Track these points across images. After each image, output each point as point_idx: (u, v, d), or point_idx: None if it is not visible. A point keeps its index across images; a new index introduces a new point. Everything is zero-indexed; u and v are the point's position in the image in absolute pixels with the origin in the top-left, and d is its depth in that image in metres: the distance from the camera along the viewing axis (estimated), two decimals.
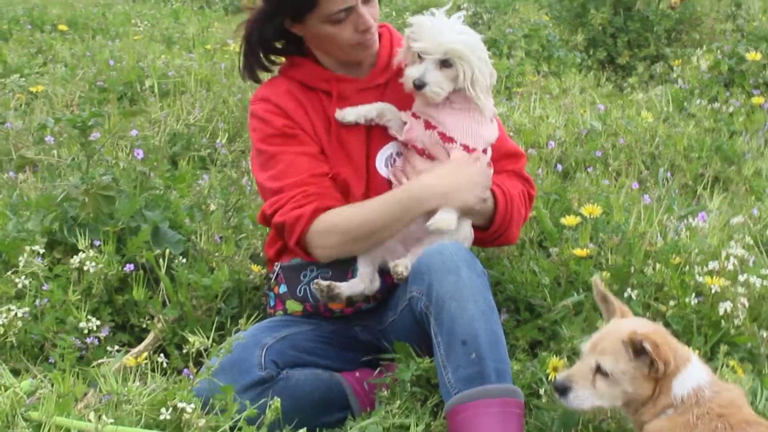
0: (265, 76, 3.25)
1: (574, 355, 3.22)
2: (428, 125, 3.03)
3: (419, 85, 2.96)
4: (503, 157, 3.21)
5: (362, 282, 3.03)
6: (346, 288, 3.01)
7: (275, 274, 3.24)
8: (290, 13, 2.99)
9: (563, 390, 2.50)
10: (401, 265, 2.93)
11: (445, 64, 2.96)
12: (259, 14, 3.06)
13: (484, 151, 3.10)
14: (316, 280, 3.02)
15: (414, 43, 2.98)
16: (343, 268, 3.09)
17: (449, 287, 2.72)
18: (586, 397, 2.48)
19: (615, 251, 3.65)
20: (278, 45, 3.19)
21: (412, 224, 3.01)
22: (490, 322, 2.70)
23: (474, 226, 3.13)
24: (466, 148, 3.02)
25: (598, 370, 2.44)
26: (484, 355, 2.64)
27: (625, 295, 3.40)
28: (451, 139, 3.02)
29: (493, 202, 3.10)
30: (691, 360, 2.42)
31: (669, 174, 5.13)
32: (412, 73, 2.98)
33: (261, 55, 3.17)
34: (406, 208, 2.94)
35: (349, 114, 3.08)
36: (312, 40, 3.10)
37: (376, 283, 3.05)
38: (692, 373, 2.38)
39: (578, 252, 3.58)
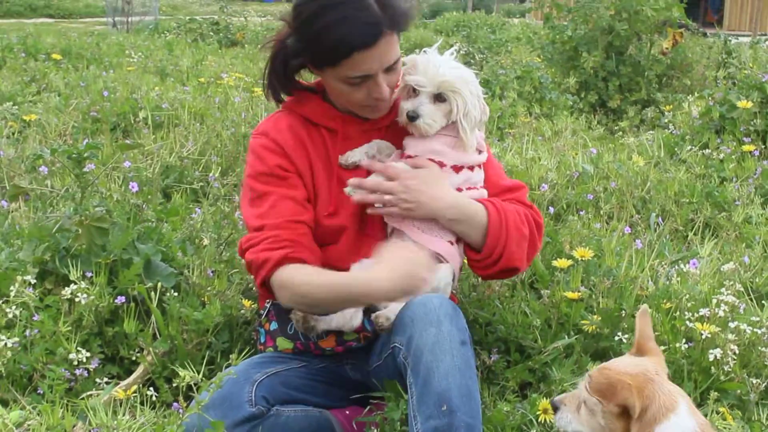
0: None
1: None
2: (403, 156, 3.08)
3: (412, 117, 2.98)
4: (501, 192, 3.16)
5: (342, 318, 3.01)
6: (324, 323, 3.00)
7: (266, 310, 3.24)
8: (311, 60, 2.99)
9: (554, 408, 2.59)
10: (382, 317, 2.93)
11: (438, 98, 2.98)
12: (287, 40, 3.06)
13: (456, 167, 3.06)
14: (293, 311, 3.02)
15: (408, 77, 3.00)
16: None
17: (428, 339, 2.70)
18: (569, 420, 2.53)
19: (606, 295, 3.66)
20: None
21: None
22: (465, 378, 2.67)
23: (468, 249, 3.11)
24: (431, 161, 3.03)
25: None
26: (456, 409, 2.61)
27: (616, 338, 3.42)
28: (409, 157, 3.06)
29: (485, 215, 3.03)
30: (677, 409, 2.38)
31: (660, 219, 5.15)
32: (406, 105, 3.00)
33: (283, 77, 3.15)
34: (353, 298, 2.91)
35: (353, 155, 3.08)
36: (327, 87, 3.11)
37: (356, 321, 3.02)
38: (678, 422, 2.35)
39: (569, 295, 3.59)
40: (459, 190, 3.05)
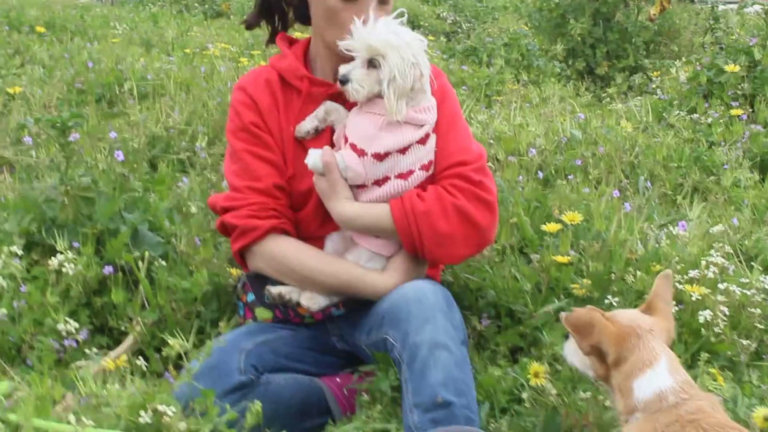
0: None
1: (554, 361, 3.23)
2: (344, 132, 3.02)
3: (342, 81, 2.92)
4: (445, 169, 3.02)
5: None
6: (298, 295, 3.02)
7: (241, 283, 3.23)
8: None
9: (566, 335, 2.57)
10: (309, 299, 3.00)
11: (371, 63, 2.90)
12: None
13: (377, 155, 2.94)
14: (267, 287, 3.03)
15: (341, 41, 2.94)
16: None
17: (425, 336, 2.68)
18: (570, 351, 2.56)
19: (596, 258, 3.65)
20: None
21: (346, 231, 3.05)
22: (462, 373, 2.67)
23: None
24: (353, 147, 2.94)
25: None
26: (454, 402, 2.60)
27: (606, 302, 3.40)
28: (346, 140, 2.98)
29: (390, 220, 2.94)
30: (656, 366, 2.37)
31: (648, 183, 5.14)
32: (340, 69, 2.94)
33: (270, 15, 3.20)
34: (352, 291, 2.99)
35: (305, 124, 3.06)
36: (314, 10, 3.07)
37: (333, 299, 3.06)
38: (654, 377, 2.33)
39: (559, 259, 3.57)
40: (386, 179, 2.96)
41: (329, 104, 3.05)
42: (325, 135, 3.05)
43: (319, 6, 3.02)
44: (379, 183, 2.96)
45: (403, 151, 2.94)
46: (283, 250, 2.99)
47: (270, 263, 3.01)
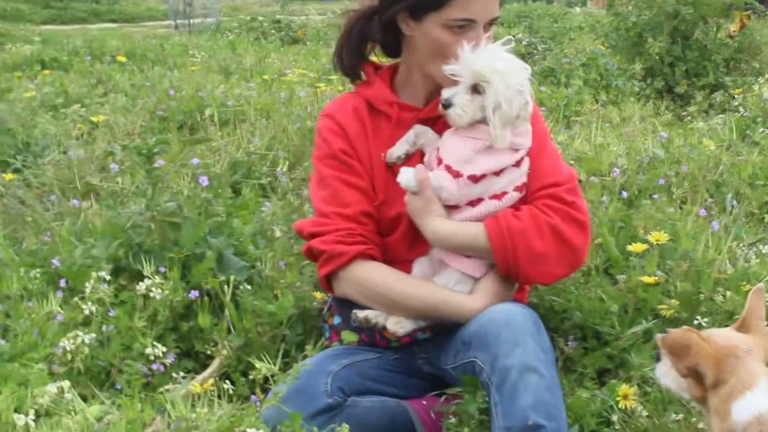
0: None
1: (644, 383, 3.19)
2: (438, 153, 2.99)
3: (445, 105, 2.91)
4: (538, 189, 3.00)
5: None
6: (385, 319, 3.00)
7: (328, 305, 3.24)
8: (417, 3, 2.94)
9: (656, 357, 2.55)
10: (395, 324, 2.97)
11: (475, 89, 2.89)
12: (370, 11, 3.06)
13: (473, 177, 2.92)
14: (354, 311, 3.02)
15: (445, 66, 2.93)
16: None
17: (515, 360, 2.66)
18: (663, 373, 2.50)
19: (684, 278, 3.59)
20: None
21: (435, 250, 3.03)
22: (553, 396, 2.64)
23: None
24: (448, 168, 2.92)
25: None
26: (545, 425, 2.57)
27: (695, 322, 3.35)
28: (440, 161, 2.95)
29: (486, 240, 2.91)
30: (755, 387, 2.31)
31: (735, 202, 5.05)
32: (444, 93, 2.94)
33: (357, 52, 3.16)
34: (439, 315, 2.99)
35: (395, 150, 3.05)
36: (420, 44, 3.03)
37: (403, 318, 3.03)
38: (753, 400, 2.28)
39: (646, 279, 3.53)
40: (480, 200, 2.95)
41: (418, 127, 3.04)
42: (414, 159, 3.04)
43: (427, 40, 2.98)
44: (472, 204, 2.95)
45: (498, 173, 2.93)
46: (370, 276, 2.99)
47: (356, 288, 3.01)
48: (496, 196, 2.95)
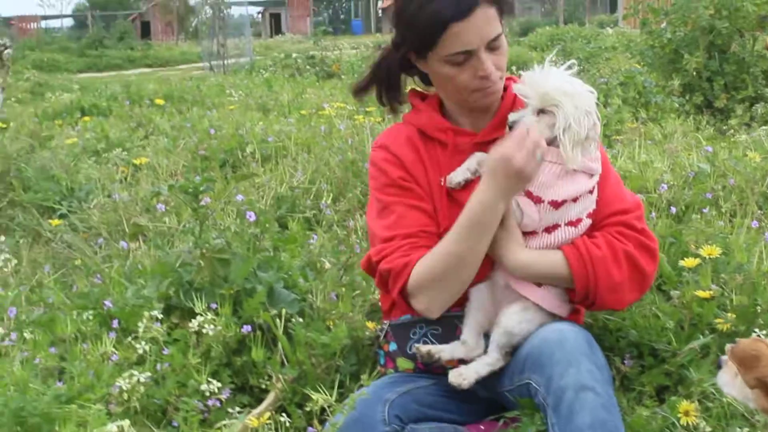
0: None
1: (704, 399, 3.15)
2: None
3: (512, 127, 2.92)
4: (608, 216, 3.02)
5: (463, 347, 2.98)
6: (447, 353, 2.97)
7: (384, 331, 3.22)
8: (412, 47, 2.97)
9: (718, 365, 2.52)
10: (458, 376, 2.92)
11: (542, 111, 2.90)
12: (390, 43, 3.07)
13: (554, 203, 2.91)
14: (416, 345, 3.00)
15: (515, 86, 2.95)
16: (453, 323, 3.04)
17: (569, 380, 2.64)
18: (724, 382, 2.48)
19: (739, 291, 3.55)
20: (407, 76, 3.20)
21: (498, 275, 3.00)
22: (610, 414, 2.61)
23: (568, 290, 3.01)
24: (528, 194, 2.91)
25: None
26: None
27: (753, 335, 3.30)
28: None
29: (566, 267, 2.91)
30: None
31: None
32: (510, 116, 2.95)
33: (384, 83, 3.16)
34: (474, 233, 2.88)
35: (456, 175, 3.03)
36: (434, 79, 3.07)
37: (479, 349, 2.98)
38: None
39: (701, 294, 3.49)
40: (556, 226, 2.94)
41: (480, 155, 3.02)
42: (474, 184, 3.03)
43: (437, 76, 3.02)
44: (549, 230, 2.95)
45: (576, 199, 2.93)
46: (420, 265, 2.92)
47: (422, 284, 2.93)
48: (572, 223, 2.96)
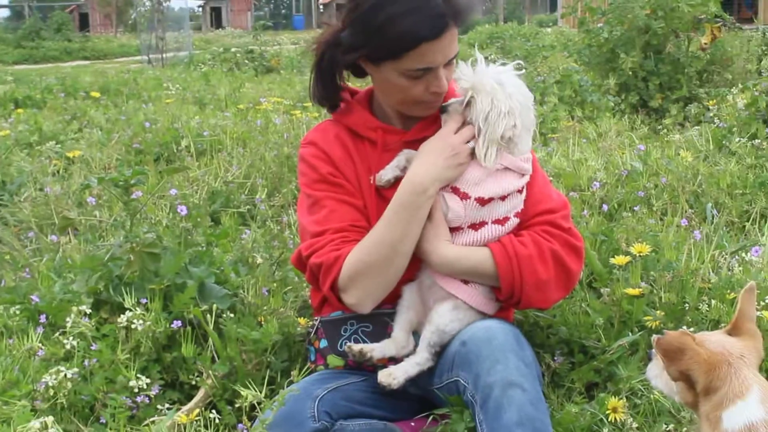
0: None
1: (632, 395, 3.17)
2: None
3: (441, 110, 2.95)
4: (535, 216, 3.03)
5: (394, 346, 2.98)
6: (378, 352, 2.96)
7: (315, 328, 3.20)
8: (371, 54, 2.93)
9: (648, 358, 2.56)
10: (387, 376, 2.90)
11: (470, 103, 2.90)
12: (336, 40, 3.01)
13: (480, 200, 2.91)
14: (348, 344, 2.98)
15: (458, 72, 2.94)
16: (383, 321, 3.04)
17: (497, 376, 2.64)
18: (654, 374, 2.50)
19: (668, 289, 3.59)
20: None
21: (424, 274, 3.00)
22: (537, 411, 2.61)
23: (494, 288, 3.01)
24: (455, 190, 2.91)
25: None
26: None
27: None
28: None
29: (492, 264, 2.92)
30: (747, 396, 2.29)
31: (715, 211, 5.07)
32: (449, 101, 2.96)
33: (330, 81, 3.11)
34: (408, 210, 2.88)
35: (386, 173, 3.02)
36: (378, 84, 3.04)
37: (409, 347, 2.98)
38: (745, 409, 2.25)
39: (630, 291, 3.53)
40: (483, 223, 2.95)
41: (408, 152, 3.02)
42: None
43: (386, 83, 2.98)
44: (475, 227, 2.95)
45: (504, 198, 2.94)
46: (352, 256, 2.90)
47: (353, 276, 2.90)
48: (499, 221, 2.96)
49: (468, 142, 2.92)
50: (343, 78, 3.13)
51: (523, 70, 2.96)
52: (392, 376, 2.89)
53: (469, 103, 2.91)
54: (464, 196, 2.90)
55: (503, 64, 2.96)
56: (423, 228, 2.91)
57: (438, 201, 2.91)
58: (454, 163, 2.88)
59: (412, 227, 2.89)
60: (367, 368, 3.05)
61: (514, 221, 2.99)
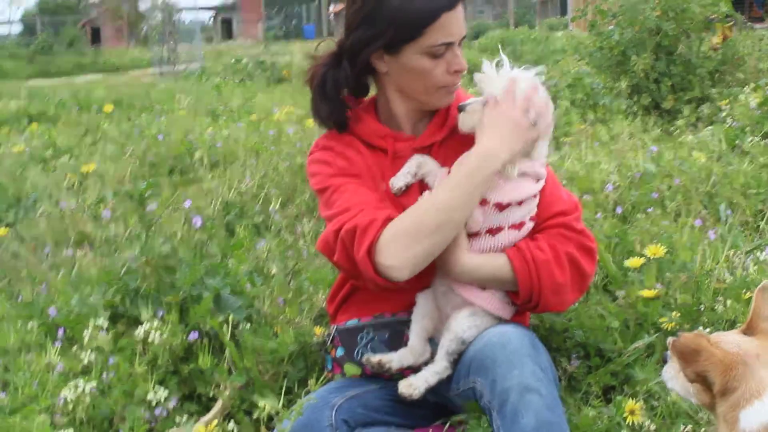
0: None
1: (650, 398, 3.17)
2: None
3: (460, 109, 2.94)
4: (549, 218, 3.03)
5: (412, 354, 2.97)
6: (397, 362, 2.96)
7: (331, 336, 3.20)
8: (392, 40, 2.91)
9: (664, 360, 2.52)
10: (408, 387, 2.89)
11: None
12: (340, 53, 3.02)
13: (499, 205, 2.90)
14: (366, 356, 2.98)
15: (476, 74, 2.95)
16: (399, 329, 3.05)
17: (513, 381, 2.64)
18: (670, 376, 2.47)
19: (683, 290, 3.59)
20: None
21: (437, 282, 3.00)
22: (554, 415, 2.61)
23: (510, 293, 3.01)
24: (483, 201, 2.90)
25: None
26: None
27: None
28: None
29: (510, 270, 2.91)
30: (765, 395, 2.28)
31: (729, 212, 5.05)
32: (467, 100, 2.96)
33: (336, 99, 3.08)
34: (480, 171, 2.82)
35: (397, 181, 3.01)
36: (398, 77, 3.00)
37: (426, 355, 2.98)
38: (762, 409, 2.23)
39: (645, 293, 3.52)
40: (499, 228, 2.94)
41: (419, 157, 3.02)
42: (413, 188, 3.03)
43: (406, 72, 2.96)
44: (492, 232, 2.95)
45: (520, 203, 2.93)
46: (393, 225, 2.82)
47: (398, 235, 2.81)
48: (515, 226, 2.96)
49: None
50: (344, 97, 3.13)
51: (543, 77, 2.95)
52: (413, 387, 2.88)
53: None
54: (483, 202, 2.90)
55: (525, 68, 2.97)
56: None
57: None
58: (521, 137, 2.85)
59: (473, 197, 2.84)
60: (384, 376, 3.05)
61: (529, 225, 2.99)
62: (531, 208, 2.98)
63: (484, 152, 2.84)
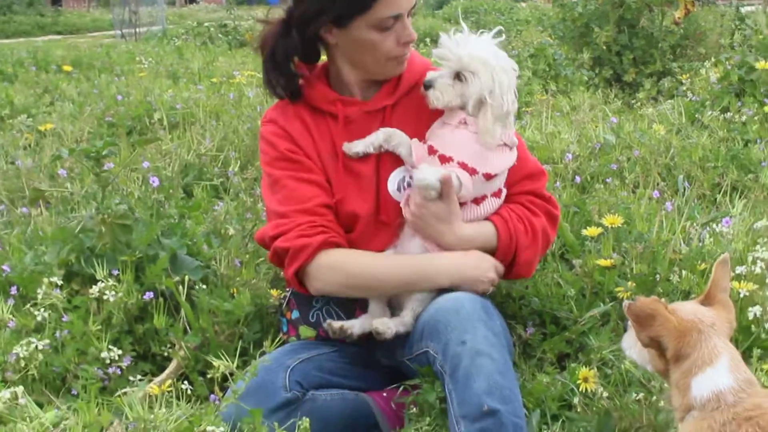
0: None
1: (603, 366, 3.19)
2: (431, 150, 2.95)
3: (426, 86, 2.93)
4: (522, 178, 3.09)
5: (372, 319, 2.98)
6: (358, 328, 2.97)
7: (287, 299, 3.22)
8: (341, 11, 2.89)
9: (624, 328, 2.56)
10: (382, 324, 2.92)
11: (459, 76, 2.90)
12: (290, 22, 2.99)
13: (487, 175, 2.93)
14: (328, 321, 2.99)
15: (434, 50, 2.95)
16: None
17: (465, 346, 2.65)
18: (629, 345, 2.49)
19: (639, 260, 3.61)
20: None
21: (410, 245, 3.01)
22: (506, 380, 2.63)
23: None
24: (463, 165, 2.90)
25: None
26: (500, 409, 2.56)
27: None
28: (449, 159, 2.91)
29: (495, 241, 3.00)
30: (716, 364, 2.29)
31: (686, 183, 5.09)
32: (428, 75, 2.95)
33: (287, 69, 3.07)
34: (420, 278, 2.94)
35: (357, 145, 3.01)
36: (347, 49, 2.99)
37: (386, 319, 2.98)
38: (714, 376, 2.26)
39: (602, 262, 3.54)
40: (483, 197, 2.99)
41: (387, 131, 3.02)
42: (371, 157, 3.04)
43: (355, 44, 2.95)
44: (477, 201, 3.00)
45: (503, 172, 2.99)
46: (339, 260, 2.94)
47: (329, 278, 2.94)
48: (495, 194, 3.02)
49: None
50: (295, 64, 3.10)
51: (503, 37, 2.95)
52: (387, 326, 2.92)
53: (458, 76, 2.90)
54: (473, 172, 2.91)
55: (481, 34, 2.95)
56: (442, 208, 2.92)
57: (452, 179, 2.90)
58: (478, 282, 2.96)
59: (402, 288, 2.98)
60: (339, 339, 3.05)
61: (504, 192, 3.04)
62: (506, 176, 3.02)
63: (451, 265, 2.95)
